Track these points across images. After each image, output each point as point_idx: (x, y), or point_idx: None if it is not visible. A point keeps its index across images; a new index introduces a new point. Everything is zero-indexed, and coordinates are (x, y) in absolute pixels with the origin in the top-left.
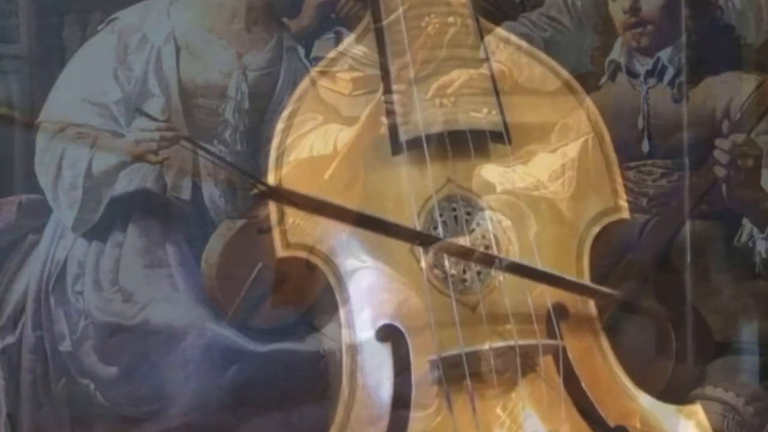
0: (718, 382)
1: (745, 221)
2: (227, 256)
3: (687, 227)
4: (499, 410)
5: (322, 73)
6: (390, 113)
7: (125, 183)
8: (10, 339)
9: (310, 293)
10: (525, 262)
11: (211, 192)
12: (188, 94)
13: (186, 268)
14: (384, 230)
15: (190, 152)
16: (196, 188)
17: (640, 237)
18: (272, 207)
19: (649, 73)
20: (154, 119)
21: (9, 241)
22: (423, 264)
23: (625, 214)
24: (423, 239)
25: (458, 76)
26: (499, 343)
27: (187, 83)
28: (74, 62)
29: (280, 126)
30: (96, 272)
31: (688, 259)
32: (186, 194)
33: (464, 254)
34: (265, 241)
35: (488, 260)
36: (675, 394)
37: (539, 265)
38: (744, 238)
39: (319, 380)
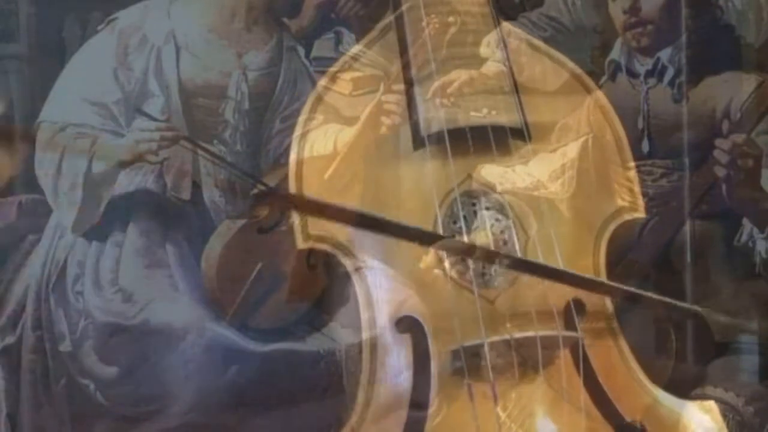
0: (718, 382)
1: (745, 221)
2: (227, 256)
3: (687, 227)
4: (508, 403)
5: (334, 77)
6: (410, 107)
7: (125, 183)
8: (10, 339)
9: (316, 285)
10: (531, 259)
11: (211, 192)
12: (188, 94)
13: (186, 268)
14: (389, 231)
15: (190, 152)
16: (196, 188)
17: (640, 237)
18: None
19: (649, 73)
20: (154, 119)
21: (9, 241)
22: (444, 256)
23: (642, 213)
24: (425, 238)
25: (476, 73)
26: (521, 335)
27: (187, 83)
28: (74, 62)
29: (302, 117)
30: (96, 272)
31: (688, 259)
32: (186, 194)
33: (467, 252)
34: (265, 241)
35: (491, 258)
36: (675, 394)
37: (559, 260)
38: (744, 238)
39: (319, 380)
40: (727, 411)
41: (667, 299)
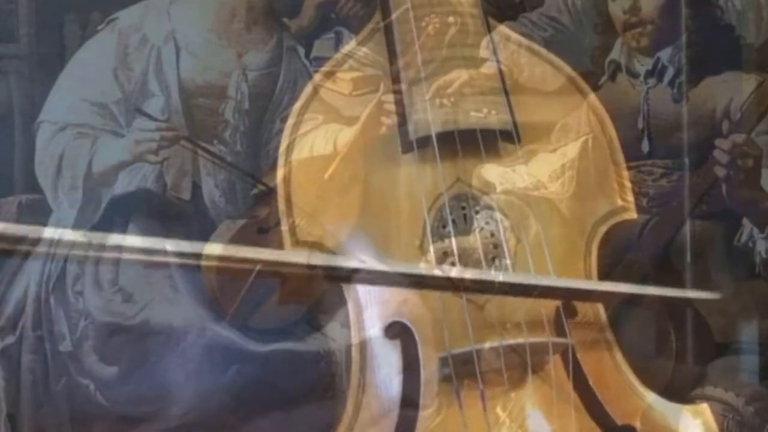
0: (718, 382)
1: (745, 221)
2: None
3: (687, 227)
4: (499, 410)
5: (326, 76)
6: (399, 111)
7: (125, 183)
8: (10, 339)
9: (313, 291)
10: (520, 275)
11: (211, 192)
12: (188, 94)
13: (186, 268)
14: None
15: (190, 152)
16: (196, 188)
17: (640, 237)
18: (281, 203)
19: (649, 73)
20: (154, 119)
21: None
22: (432, 261)
23: (633, 215)
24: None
25: (465, 75)
26: (510, 341)
27: (187, 83)
28: (74, 62)
29: (290, 121)
30: (96, 272)
31: (688, 259)
32: (186, 194)
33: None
34: (265, 241)
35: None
36: (675, 394)
37: (549, 264)
38: (744, 238)
39: (319, 380)
40: (727, 411)
41: (658, 289)
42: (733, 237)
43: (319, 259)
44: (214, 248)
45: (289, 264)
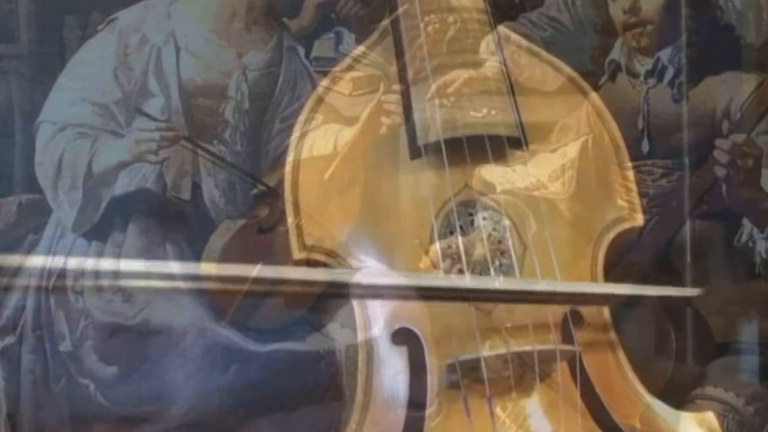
0: (718, 382)
1: (745, 221)
2: (227, 256)
3: (687, 227)
4: (506, 417)
5: (334, 80)
6: (406, 114)
7: (125, 183)
8: (10, 339)
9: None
10: (528, 282)
11: (211, 192)
12: (188, 94)
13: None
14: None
15: (190, 152)
16: (196, 188)
17: (639, 237)
18: (288, 207)
19: (649, 73)
20: (154, 119)
21: (9, 241)
22: (440, 267)
23: (639, 222)
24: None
25: (466, 76)
26: (518, 348)
27: (187, 83)
28: (74, 62)
29: (301, 117)
30: (96, 272)
31: (688, 259)
32: (186, 194)
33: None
34: (265, 241)
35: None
36: (675, 394)
37: (556, 268)
38: (744, 238)
39: (319, 380)
40: (727, 411)
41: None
42: (733, 237)
43: (321, 275)
44: (210, 268)
45: (292, 281)
